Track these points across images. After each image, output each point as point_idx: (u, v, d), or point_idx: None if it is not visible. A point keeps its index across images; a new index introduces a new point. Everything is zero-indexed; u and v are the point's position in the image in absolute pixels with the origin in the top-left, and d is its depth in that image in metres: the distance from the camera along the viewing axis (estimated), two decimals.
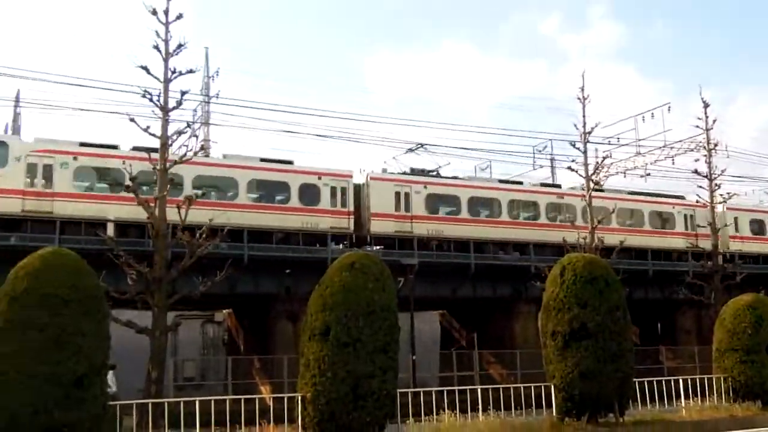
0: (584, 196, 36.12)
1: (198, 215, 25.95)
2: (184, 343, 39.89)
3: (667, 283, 42.91)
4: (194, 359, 39.82)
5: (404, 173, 40.73)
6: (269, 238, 34.85)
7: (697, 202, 43.40)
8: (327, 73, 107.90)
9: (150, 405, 16.29)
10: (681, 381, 21.59)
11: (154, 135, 24.68)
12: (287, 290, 35.37)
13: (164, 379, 24.51)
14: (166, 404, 17.54)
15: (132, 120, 24.49)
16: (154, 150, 24.94)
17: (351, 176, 37.52)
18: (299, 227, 35.40)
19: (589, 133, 35.41)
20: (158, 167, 24.61)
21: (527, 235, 40.93)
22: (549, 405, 19.06)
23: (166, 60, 25.08)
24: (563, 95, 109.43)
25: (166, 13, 25.03)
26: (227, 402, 17.14)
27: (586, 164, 35.93)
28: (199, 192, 28.07)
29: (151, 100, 24.83)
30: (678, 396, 21.53)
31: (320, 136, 59.00)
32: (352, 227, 36.76)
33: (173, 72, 25.19)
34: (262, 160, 36.63)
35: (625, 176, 50.04)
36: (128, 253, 23.46)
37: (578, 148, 35.81)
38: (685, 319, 45.77)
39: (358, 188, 37.78)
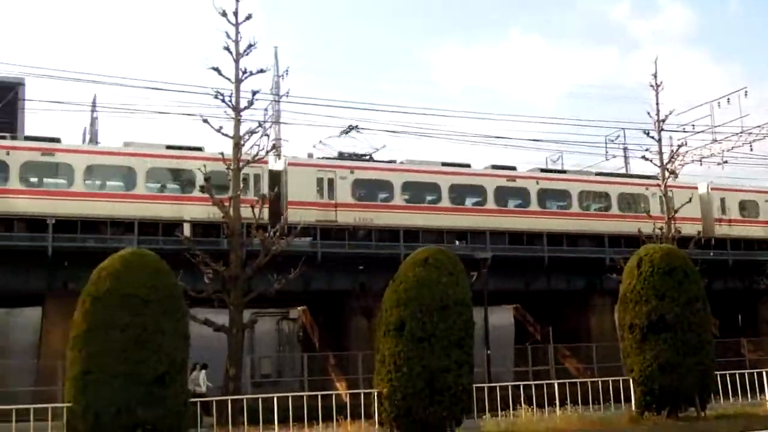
0: (537, 179, 37.38)
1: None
2: (261, 341, 40.32)
3: (748, 273, 41.82)
4: (270, 356, 40.22)
5: (328, 158, 38.36)
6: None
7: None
8: (395, 68, 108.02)
9: (229, 402, 16.54)
10: (764, 374, 21.04)
11: (227, 135, 25.04)
12: (361, 286, 35.50)
13: (242, 376, 24.86)
14: (245, 401, 17.80)
15: (205, 121, 24.89)
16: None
17: (266, 162, 34.26)
18: (203, 218, 32.15)
19: (663, 120, 34.68)
20: (232, 167, 24.96)
21: (472, 222, 38.20)
22: (627, 399, 18.78)
23: (236, 61, 25.39)
24: (635, 83, 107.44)
25: (235, 14, 25.33)
26: (304, 398, 17.33)
27: (660, 153, 35.19)
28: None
29: (223, 100, 25.19)
30: (762, 389, 20.97)
31: (390, 131, 58.97)
32: (266, 217, 32.95)
33: (244, 72, 25.49)
34: (168, 147, 34.53)
35: (701, 164, 48.97)
36: (204, 252, 23.84)
37: (652, 137, 35.10)
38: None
39: (278, 175, 35.33)
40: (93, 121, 47.92)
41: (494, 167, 40.28)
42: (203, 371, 26.38)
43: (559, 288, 40.25)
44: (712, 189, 43.50)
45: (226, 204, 24.29)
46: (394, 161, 39.31)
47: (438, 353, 15.65)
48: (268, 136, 44.74)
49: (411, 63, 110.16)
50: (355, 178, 36.44)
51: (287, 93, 29.98)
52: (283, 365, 40.45)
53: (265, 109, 48.86)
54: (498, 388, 18.62)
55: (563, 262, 39.00)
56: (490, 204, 38.70)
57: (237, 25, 25.32)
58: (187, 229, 29.54)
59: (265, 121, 40.20)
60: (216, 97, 25.12)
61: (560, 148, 50.60)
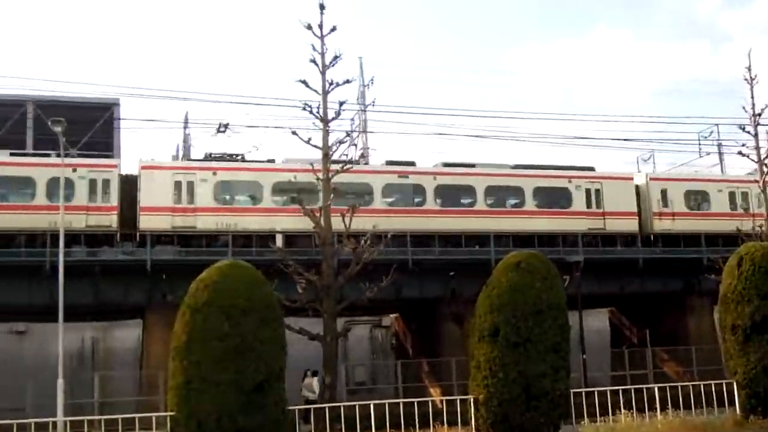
0: (435, 174, 34.90)
1: None
2: (354, 349, 40.70)
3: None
4: (364, 364, 40.53)
5: (191, 159, 36.32)
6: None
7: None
8: (479, 70, 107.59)
9: (326, 409, 16.72)
10: None
11: (315, 146, 25.41)
12: (452, 292, 35.39)
13: (337, 383, 25.10)
14: (341, 408, 17.97)
15: (294, 133, 25.33)
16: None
17: (115, 166, 33.11)
18: (46, 227, 29.91)
19: (759, 114, 33.60)
20: (321, 177, 25.29)
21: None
22: (731, 403, 18.25)
23: (323, 72, 25.76)
24: (728, 77, 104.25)
25: (320, 27, 25.71)
26: (400, 405, 17.39)
27: (757, 148, 34.09)
28: None
29: (311, 112, 25.58)
30: None
31: (475, 136, 58.83)
32: (116, 225, 31.89)
33: (330, 84, 25.85)
34: (12, 154, 32.79)
35: None
36: (297, 262, 24.18)
37: (748, 132, 34.05)
38: None
39: (133, 180, 32.94)
40: (186, 137, 49.15)
41: (388, 163, 36.60)
42: (315, 378, 26.44)
43: (654, 290, 39.34)
44: (651, 179, 38.96)
45: (317, 214, 24.61)
46: (273, 161, 35.72)
47: (534, 358, 15.53)
48: (355, 145, 45.32)
49: (494, 65, 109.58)
50: (218, 180, 33.47)
51: (373, 102, 30.06)
52: (377, 372, 40.68)
53: (352, 119, 49.31)
54: (596, 393, 18.34)
55: (658, 264, 38.13)
56: (378, 203, 34.72)
57: (322, 37, 25.70)
58: (279, 240, 29.97)
59: (352, 131, 40.63)
60: (304, 109, 25.54)
61: (650, 147, 49.34)
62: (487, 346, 15.81)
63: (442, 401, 19.29)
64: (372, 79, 28.56)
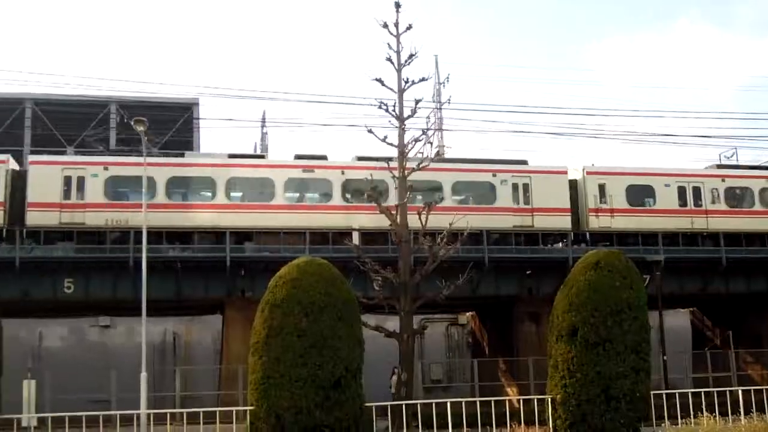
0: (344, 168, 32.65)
1: None
2: (430, 346, 40.70)
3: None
4: (440, 362, 40.51)
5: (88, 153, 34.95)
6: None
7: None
8: (558, 66, 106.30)
9: (403, 406, 16.77)
10: None
11: (391, 144, 25.46)
12: (529, 291, 35.10)
13: (413, 381, 25.14)
14: (418, 406, 18.01)
15: (370, 131, 25.43)
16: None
17: (5, 162, 31.86)
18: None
19: None
20: (397, 175, 25.35)
21: (248, 221, 32.66)
22: None
23: (398, 71, 25.81)
24: None
25: (396, 25, 25.75)
26: (477, 404, 17.33)
27: None
28: None
29: (386, 110, 25.63)
30: None
31: (554, 133, 58.07)
32: (1, 221, 30.94)
33: (406, 82, 25.89)
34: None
35: None
36: (373, 260, 24.29)
37: None
38: None
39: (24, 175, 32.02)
40: (263, 136, 49.95)
41: (297, 157, 34.68)
42: (394, 376, 26.56)
43: (738, 290, 38.32)
44: (588, 173, 35.72)
45: (393, 212, 24.68)
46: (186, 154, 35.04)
47: (613, 359, 15.32)
48: (431, 143, 45.30)
49: (573, 61, 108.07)
50: (110, 176, 32.10)
51: (449, 100, 30.07)
52: (453, 370, 40.60)
53: (428, 117, 49.36)
54: (677, 395, 17.98)
55: (743, 263, 37.11)
56: (279, 199, 33.00)
57: (398, 36, 25.75)
58: (356, 237, 30.12)
59: (428, 129, 40.62)
60: (380, 107, 25.60)
61: (733, 144, 47.96)
62: (565, 346, 15.65)
63: (518, 401, 19.18)
64: (448, 77, 28.72)
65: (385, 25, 25.67)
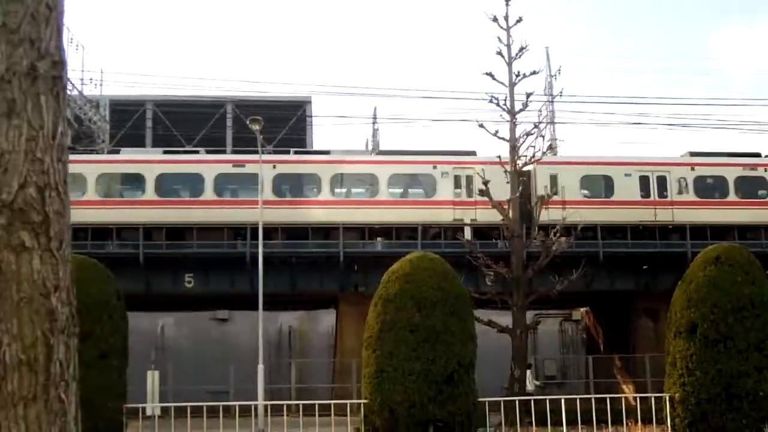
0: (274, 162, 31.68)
1: None
2: (543, 342, 40.27)
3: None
4: (554, 358, 40.05)
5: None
6: None
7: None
8: (673, 55, 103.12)
9: (516, 402, 16.70)
10: None
11: (503, 138, 25.38)
12: (646, 286, 34.22)
13: (526, 377, 24.97)
14: (532, 402, 17.88)
15: (481, 126, 25.42)
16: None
17: None
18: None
19: None
20: (509, 169, 25.23)
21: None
22: None
23: (509, 64, 25.69)
24: None
25: (506, 18, 25.66)
26: (592, 401, 17.08)
27: None
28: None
29: (497, 104, 25.58)
30: None
31: (672, 125, 56.36)
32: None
33: (517, 75, 25.77)
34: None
35: None
36: (485, 254, 24.24)
37: None
38: None
39: None
40: (374, 133, 50.37)
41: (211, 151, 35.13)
42: (529, 371, 26.28)
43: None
44: (538, 164, 32.28)
45: (506, 207, 24.57)
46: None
47: (735, 357, 14.79)
48: (543, 137, 44.73)
49: (691, 50, 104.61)
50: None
51: (561, 93, 29.71)
52: (567, 367, 40.08)
53: (540, 110, 48.76)
54: None
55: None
56: (208, 194, 32.58)
57: (508, 29, 25.65)
58: (468, 232, 30.08)
59: (539, 122, 40.15)
60: (491, 101, 25.55)
61: None
62: (684, 343, 15.20)
63: (635, 398, 18.78)
64: (559, 69, 28.42)
65: (495, 19, 25.61)
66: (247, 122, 27.03)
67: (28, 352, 2.66)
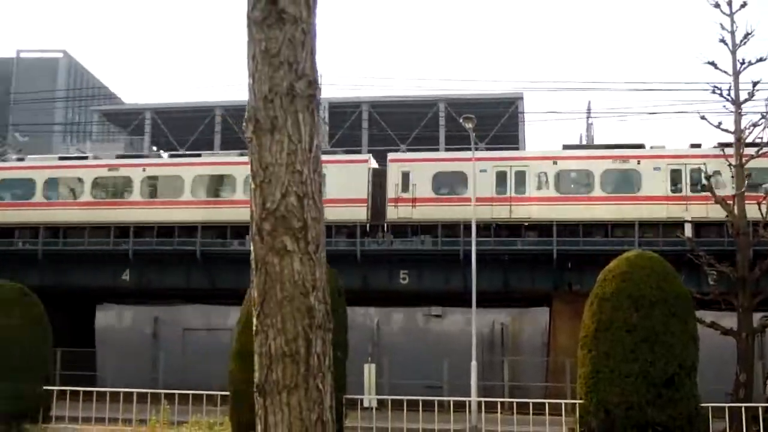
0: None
1: None
2: None
3: None
4: None
5: None
6: None
7: None
8: None
9: (743, 409, 15.95)
10: None
11: (726, 131, 24.23)
12: None
13: (752, 383, 23.73)
14: (759, 409, 16.99)
15: (703, 117, 24.40)
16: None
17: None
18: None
19: None
20: (734, 163, 24.09)
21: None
22: None
23: (733, 52, 24.50)
24: None
25: (729, 4, 24.46)
26: None
27: None
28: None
29: (720, 94, 24.46)
30: None
31: None
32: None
33: (742, 63, 24.51)
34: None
35: None
36: (708, 253, 23.27)
37: None
38: None
39: None
40: (588, 127, 49.57)
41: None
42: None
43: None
44: (391, 161, 33.34)
45: (730, 202, 23.46)
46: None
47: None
48: None
49: None
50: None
51: None
52: None
53: (767, 99, 45.98)
54: None
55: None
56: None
57: (732, 14, 24.45)
58: (688, 230, 28.89)
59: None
60: (713, 92, 24.49)
61: None
62: None
63: None
64: None
65: (717, 5, 24.52)
66: (460, 120, 27.37)
67: (291, 345, 2.97)
